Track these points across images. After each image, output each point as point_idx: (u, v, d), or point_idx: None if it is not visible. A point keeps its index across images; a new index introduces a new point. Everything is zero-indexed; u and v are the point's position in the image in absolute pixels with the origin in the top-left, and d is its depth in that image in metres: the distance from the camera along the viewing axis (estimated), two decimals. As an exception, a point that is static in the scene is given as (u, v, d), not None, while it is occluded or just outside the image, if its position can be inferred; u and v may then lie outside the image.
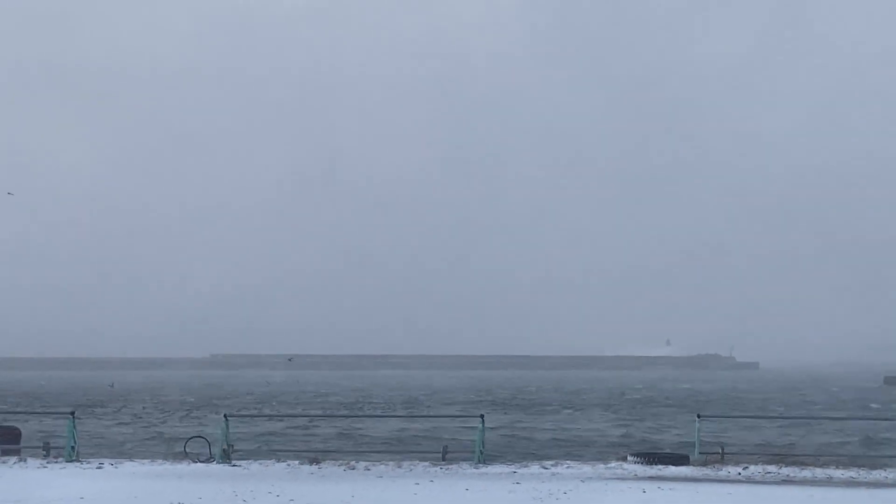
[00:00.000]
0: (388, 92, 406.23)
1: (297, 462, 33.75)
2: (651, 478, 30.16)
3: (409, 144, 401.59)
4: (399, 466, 32.74)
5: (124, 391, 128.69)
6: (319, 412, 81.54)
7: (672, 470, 31.97)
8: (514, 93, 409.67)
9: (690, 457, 34.01)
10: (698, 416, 36.54)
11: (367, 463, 33.52)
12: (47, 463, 33.63)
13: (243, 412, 77.68)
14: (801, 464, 33.31)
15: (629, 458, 33.99)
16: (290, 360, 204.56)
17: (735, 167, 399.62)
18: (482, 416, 35.80)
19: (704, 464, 33.23)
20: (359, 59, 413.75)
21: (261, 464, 33.71)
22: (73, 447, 34.42)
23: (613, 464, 33.57)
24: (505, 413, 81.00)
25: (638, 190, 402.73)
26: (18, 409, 72.75)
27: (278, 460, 34.57)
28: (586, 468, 32.71)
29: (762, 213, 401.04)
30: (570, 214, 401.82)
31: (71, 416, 35.29)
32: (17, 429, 37.78)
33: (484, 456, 34.26)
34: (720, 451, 35.50)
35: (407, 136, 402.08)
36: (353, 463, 33.36)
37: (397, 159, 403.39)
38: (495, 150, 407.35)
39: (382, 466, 32.73)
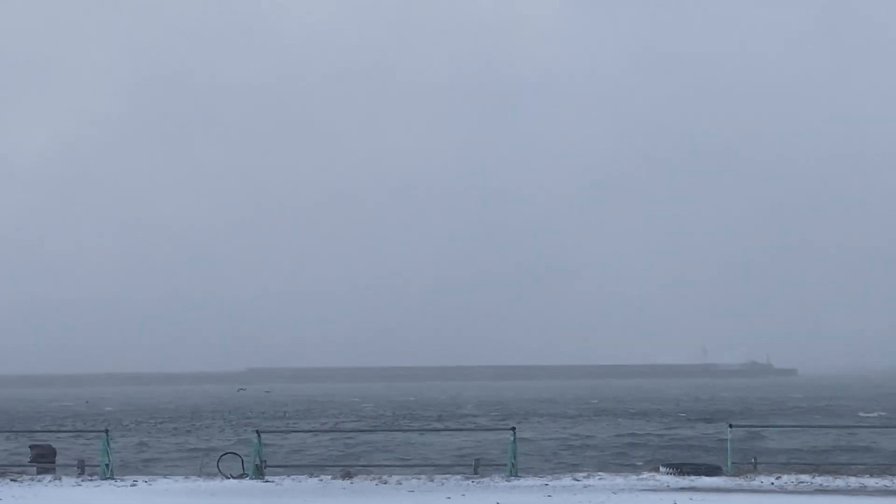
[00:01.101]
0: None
1: (329, 477, 33.82)
2: (683, 489, 30.05)
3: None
4: (431, 480, 32.76)
5: (152, 406, 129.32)
6: (352, 426, 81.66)
7: (704, 481, 31.83)
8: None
9: (723, 467, 33.85)
10: (730, 426, 36.39)
11: (400, 477, 33.54)
12: (82, 481, 33.83)
13: (277, 427, 77.88)
14: (835, 473, 33.09)
15: (661, 468, 33.88)
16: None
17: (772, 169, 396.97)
18: (513, 429, 35.77)
19: (737, 474, 33.06)
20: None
21: (293, 479, 33.80)
22: (107, 465, 34.63)
23: (645, 475, 33.47)
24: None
25: (680, 200, 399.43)
26: (52, 428, 73.23)
27: (311, 475, 34.64)
28: (619, 479, 32.63)
29: (799, 217, 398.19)
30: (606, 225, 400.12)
31: (105, 434, 35.52)
32: (51, 447, 38.06)
33: (516, 468, 34.21)
34: (753, 460, 35.34)
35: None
36: (385, 477, 33.38)
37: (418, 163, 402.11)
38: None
39: (414, 480, 32.76)
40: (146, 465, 47.63)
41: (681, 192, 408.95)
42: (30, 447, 38.37)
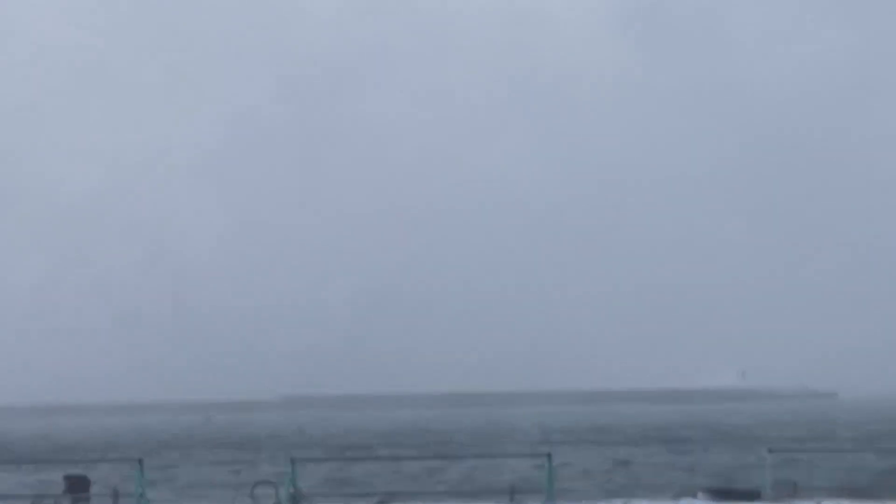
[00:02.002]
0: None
1: (364, 505, 33.65)
2: (721, 514, 29.69)
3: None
4: (466, 507, 32.52)
5: (188, 434, 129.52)
6: (388, 453, 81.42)
7: (743, 506, 31.47)
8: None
9: (762, 492, 33.43)
10: (769, 451, 35.93)
11: (435, 504, 33.33)
12: (116, 511, 33.76)
13: (313, 455, 77.71)
14: (877, 498, 32.63)
15: (699, 493, 33.52)
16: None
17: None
18: (549, 455, 35.46)
19: (776, 499, 32.65)
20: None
21: (327, 508, 33.64)
22: (141, 494, 34.54)
23: (683, 501, 33.11)
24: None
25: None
26: (85, 458, 73.33)
27: (346, 503, 34.47)
28: (656, 505, 32.31)
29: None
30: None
31: (139, 464, 35.44)
32: (86, 477, 37.99)
33: (553, 494, 33.88)
34: (793, 485, 34.89)
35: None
36: (420, 505, 33.18)
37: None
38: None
39: (449, 508, 32.54)
40: (181, 495, 47.53)
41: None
42: (63, 478, 38.32)
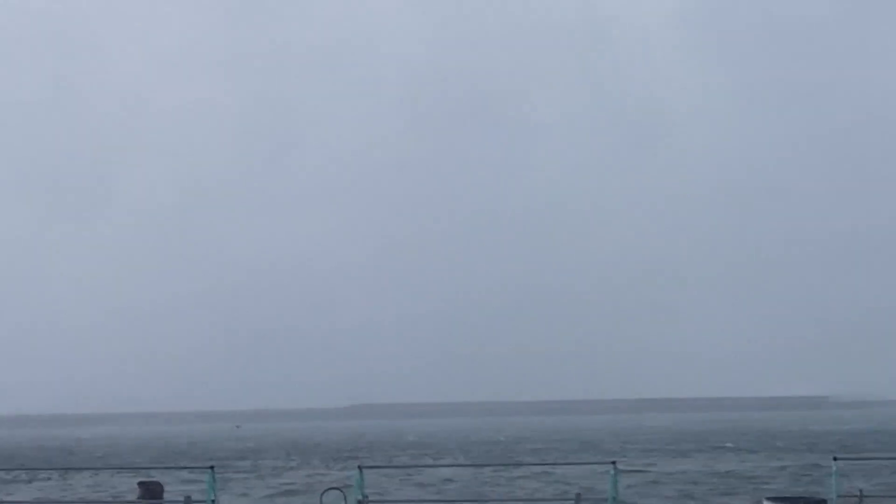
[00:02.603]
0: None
1: (430, 512, 34.01)
2: (786, 523, 29.72)
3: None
4: (532, 515, 32.80)
5: (259, 441, 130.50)
6: (453, 462, 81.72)
7: (809, 514, 31.41)
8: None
9: (828, 500, 33.38)
10: (835, 459, 35.88)
11: (501, 512, 33.63)
12: (189, 517, 34.38)
13: (382, 463, 78.24)
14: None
15: (765, 502, 33.50)
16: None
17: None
18: (614, 463, 35.65)
19: (842, 508, 32.58)
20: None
21: (396, 515, 34.07)
22: (213, 500, 35.14)
23: (749, 509, 33.14)
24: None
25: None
26: (158, 465, 74.36)
27: (413, 511, 34.86)
28: (721, 514, 32.40)
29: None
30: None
31: (210, 471, 36.07)
32: (159, 483, 38.68)
33: (618, 503, 34.05)
34: (859, 493, 34.79)
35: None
36: (486, 512, 33.47)
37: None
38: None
39: (515, 515, 32.84)
40: (252, 501, 48.24)
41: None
42: (138, 484, 39.07)
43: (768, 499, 33.97)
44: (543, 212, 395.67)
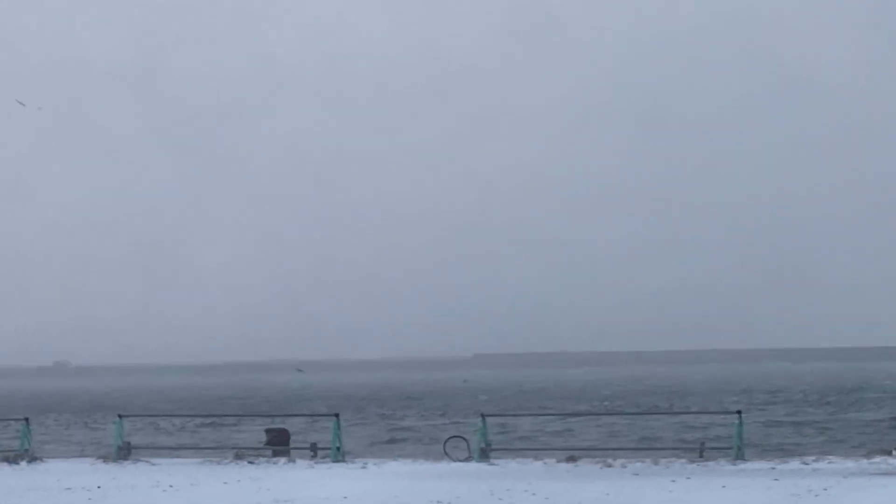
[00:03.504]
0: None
1: (553, 460, 34.09)
2: (916, 472, 29.23)
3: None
4: (656, 464, 32.70)
5: (381, 388, 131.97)
6: (574, 409, 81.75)
7: (941, 464, 30.85)
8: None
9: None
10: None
11: (624, 460, 33.57)
12: (315, 463, 35.06)
13: (499, 412, 78.63)
14: None
15: (895, 452, 32.96)
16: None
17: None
18: (739, 412, 35.37)
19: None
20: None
21: (518, 462, 34.24)
22: (338, 448, 35.75)
23: (878, 458, 32.60)
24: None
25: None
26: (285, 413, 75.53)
27: (535, 458, 35.00)
28: (849, 463, 31.92)
29: None
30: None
31: (336, 418, 36.66)
32: (286, 431, 39.42)
33: (743, 452, 33.79)
34: None
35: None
36: (609, 461, 33.47)
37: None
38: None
39: (639, 464, 32.76)
40: (376, 448, 48.80)
41: None
42: (265, 431, 39.86)
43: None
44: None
